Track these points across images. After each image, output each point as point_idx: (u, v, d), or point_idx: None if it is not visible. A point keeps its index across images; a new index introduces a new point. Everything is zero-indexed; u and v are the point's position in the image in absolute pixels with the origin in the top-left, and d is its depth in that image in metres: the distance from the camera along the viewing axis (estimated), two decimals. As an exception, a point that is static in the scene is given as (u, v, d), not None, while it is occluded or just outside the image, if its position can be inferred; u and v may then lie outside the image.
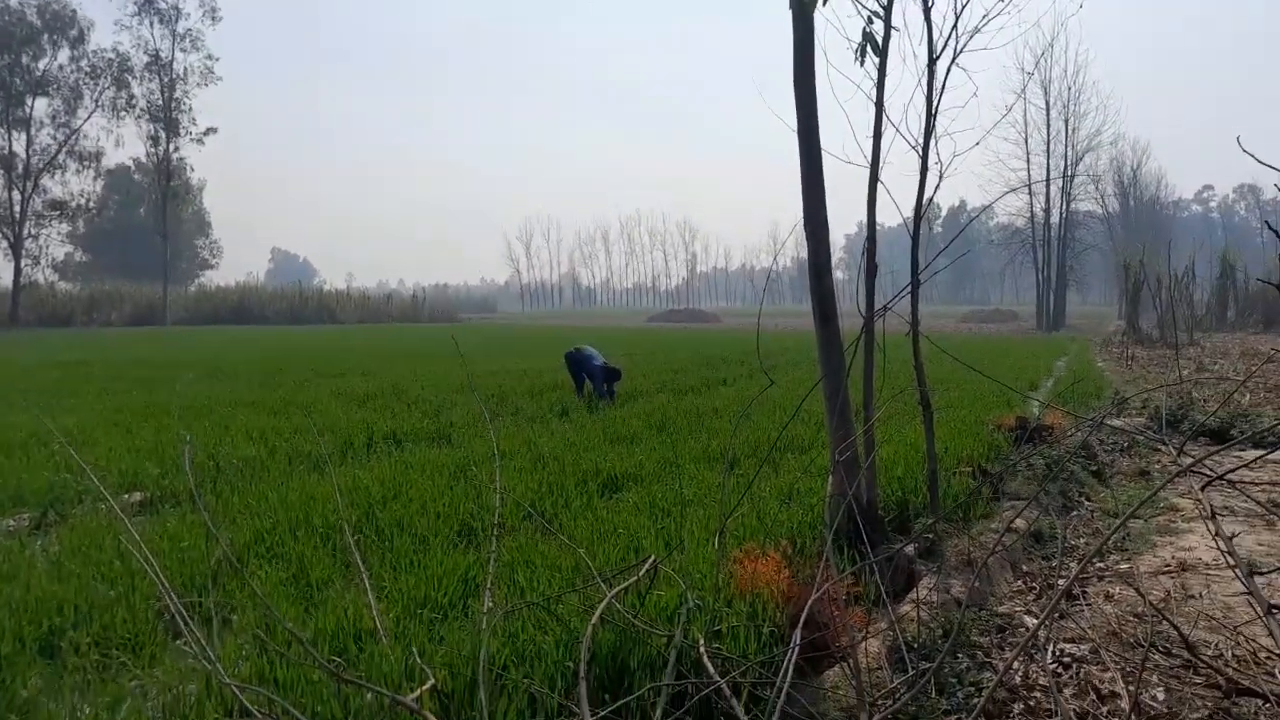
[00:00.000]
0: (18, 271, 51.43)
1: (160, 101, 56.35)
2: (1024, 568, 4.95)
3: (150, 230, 64.75)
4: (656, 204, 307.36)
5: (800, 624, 2.70)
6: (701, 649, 2.88)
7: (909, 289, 5.54)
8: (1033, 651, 3.57)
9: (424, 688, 2.57)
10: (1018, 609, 4.23)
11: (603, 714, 2.28)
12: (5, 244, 51.45)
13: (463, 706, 2.70)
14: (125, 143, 73.37)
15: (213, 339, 34.85)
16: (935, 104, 5.62)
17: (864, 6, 5.41)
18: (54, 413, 10.62)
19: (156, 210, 59.53)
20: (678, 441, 8.29)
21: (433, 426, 9.40)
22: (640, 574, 3.09)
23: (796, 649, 2.53)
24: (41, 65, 52.43)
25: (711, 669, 2.76)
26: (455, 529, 5.35)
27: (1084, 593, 4.41)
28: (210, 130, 58.84)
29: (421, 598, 4.02)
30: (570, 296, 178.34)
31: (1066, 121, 47.19)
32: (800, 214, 5.31)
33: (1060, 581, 4.49)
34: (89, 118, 54.22)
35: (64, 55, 53.28)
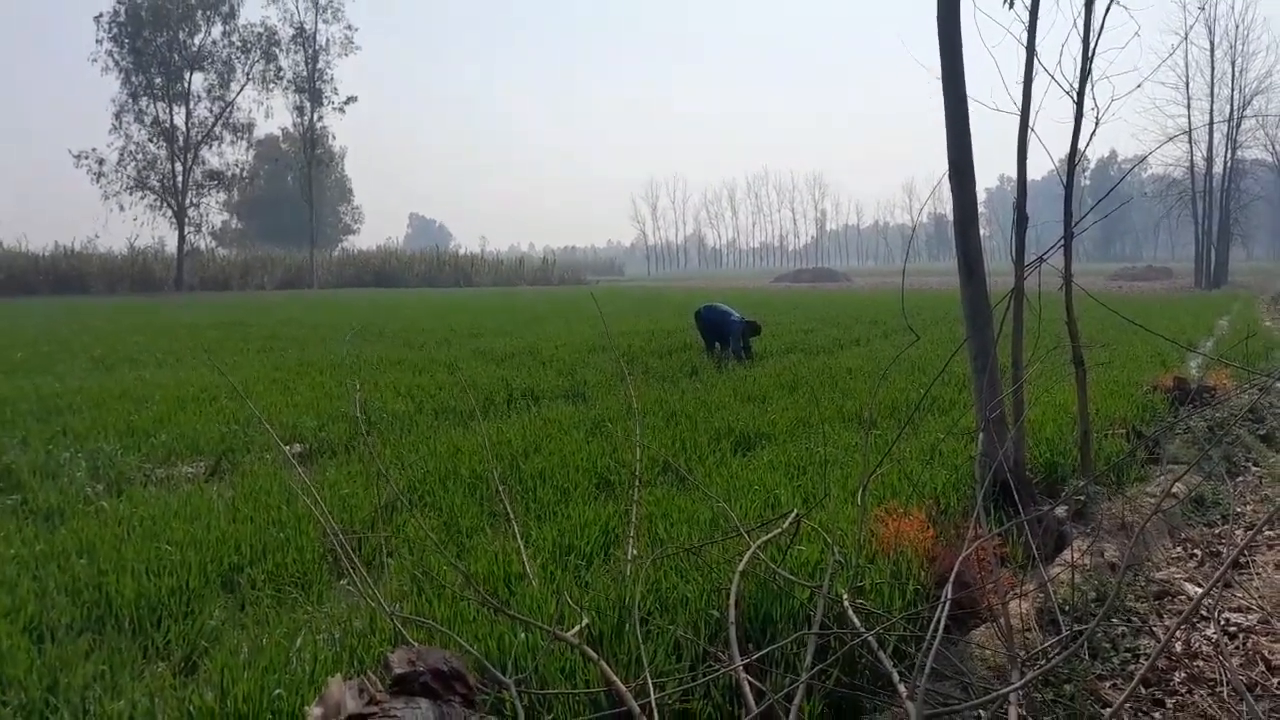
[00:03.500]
0: (181, 239, 55.14)
1: (305, 73, 58.95)
2: (1183, 534, 4.70)
3: (297, 197, 68.16)
4: (785, 161, 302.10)
5: (950, 582, 2.66)
6: (846, 603, 2.88)
7: (1061, 241, 5.29)
8: (1195, 620, 3.40)
9: (579, 627, 2.67)
10: (1177, 575, 4.03)
11: (748, 661, 2.32)
12: (170, 213, 55.16)
13: (612, 647, 2.79)
14: (274, 113, 77.52)
15: (357, 301, 36.56)
16: (1093, 47, 5.30)
17: (1015, -58, 5.13)
18: (218, 369, 11.42)
19: (303, 178, 62.53)
20: (810, 401, 8.20)
21: (567, 384, 9.62)
22: (784, 527, 3.10)
23: (947, 604, 2.50)
24: (197, 41, 55.55)
25: (857, 622, 2.75)
26: (594, 482, 5.49)
27: (1252, 561, 4.16)
28: (351, 99, 61.25)
29: (566, 546, 4.16)
30: (695, 258, 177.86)
31: (1234, 62, 43.42)
32: (943, 166, 5.13)
33: (1226, 548, 4.24)
34: (241, 90, 57.19)
35: (217, 31, 56.26)
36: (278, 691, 2.55)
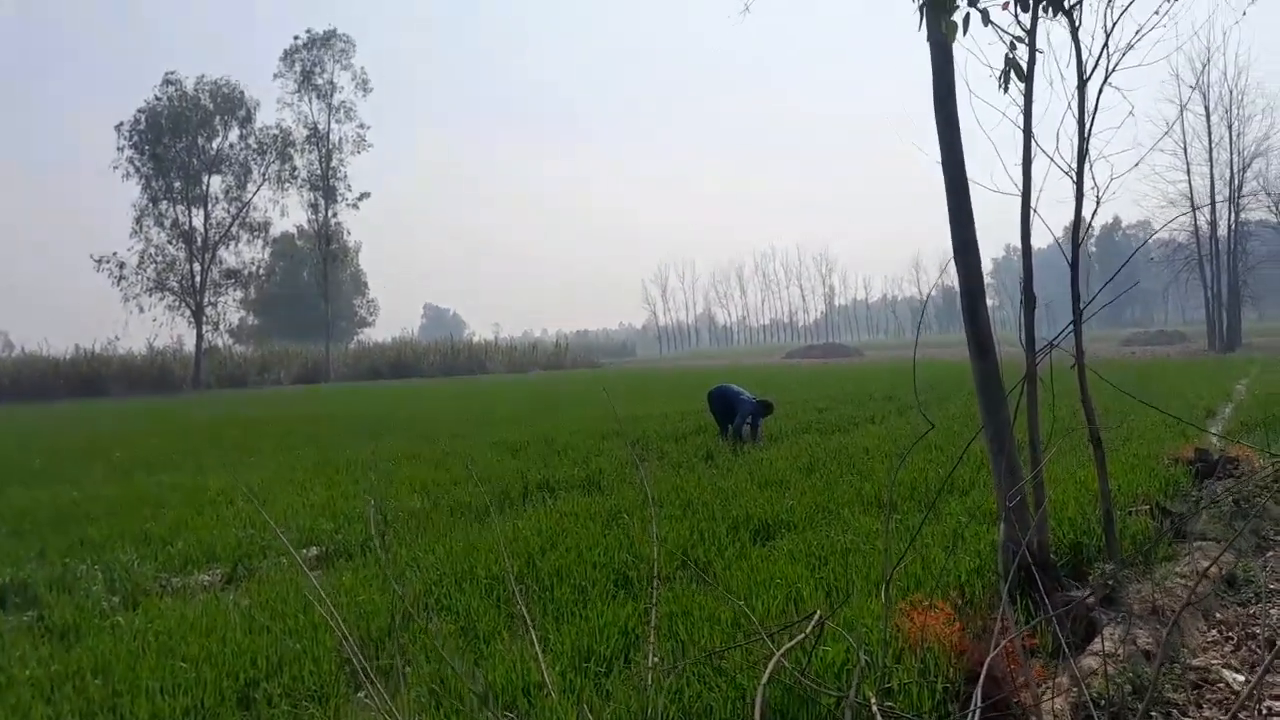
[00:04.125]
0: (199, 337, 55.89)
1: (319, 171, 60.51)
2: (1217, 615, 4.58)
3: (313, 292, 69.26)
4: (791, 239, 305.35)
5: (981, 680, 2.59)
6: (874, 707, 2.81)
7: (1071, 325, 5.30)
8: (1238, 712, 3.29)
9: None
10: (1214, 661, 3.91)
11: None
12: (188, 312, 56.07)
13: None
14: (289, 211, 78.94)
15: (373, 394, 36.75)
16: (1088, 127, 5.40)
17: (1006, 33, 5.28)
18: (236, 470, 11.45)
19: (318, 273, 63.63)
20: (828, 484, 8.13)
21: (583, 474, 9.57)
22: (807, 631, 3.05)
23: (979, 710, 2.43)
24: (214, 145, 57.29)
25: (885, 729, 2.68)
26: (611, 578, 5.42)
27: (1291, 644, 4.04)
28: (364, 195, 62.69)
29: (585, 649, 4.09)
30: (706, 337, 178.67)
31: (1230, 126, 44.07)
32: (949, 240, 5.19)
33: (1263, 630, 4.13)
34: (257, 191, 58.67)
35: (234, 134, 58.05)
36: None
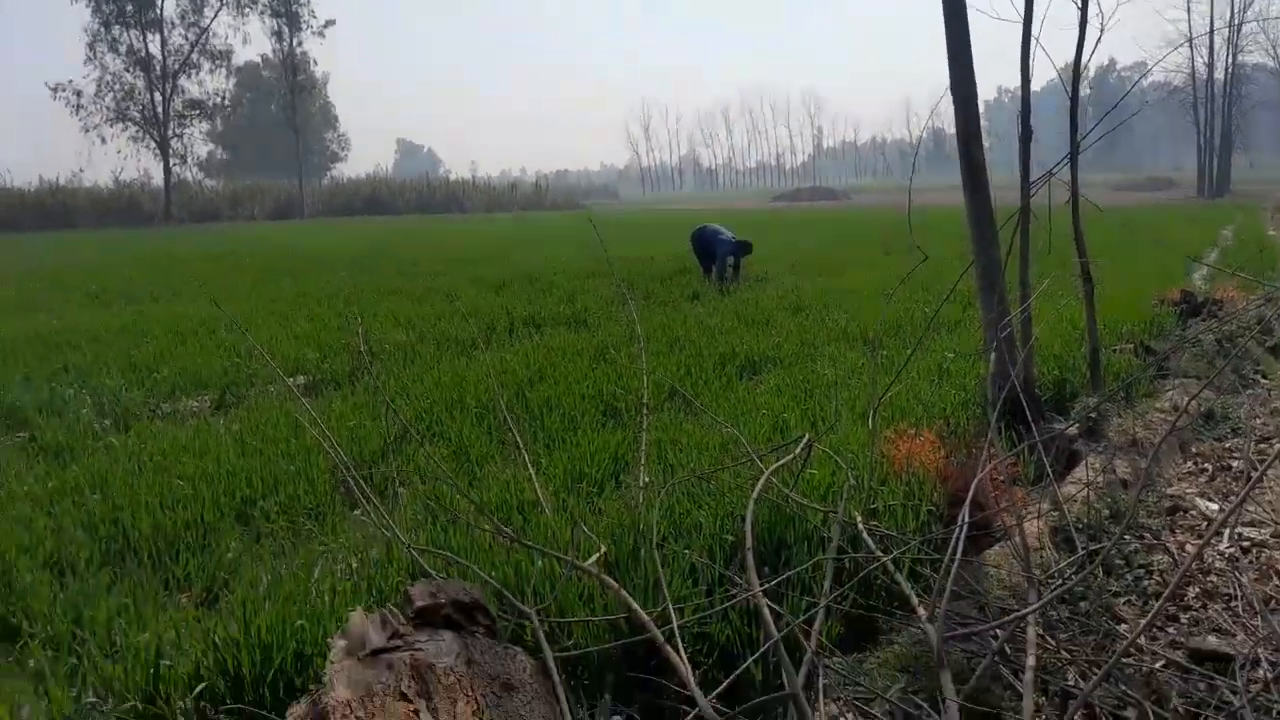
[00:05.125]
0: (167, 170, 54.24)
1: (280, -5, 57.15)
2: (1194, 449, 4.71)
3: (282, 126, 66.77)
4: (779, 77, 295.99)
5: (968, 502, 2.66)
6: (860, 526, 2.89)
7: (1068, 157, 5.18)
8: (1211, 537, 3.42)
9: (597, 555, 2.68)
10: (1189, 491, 4.05)
11: (765, 585, 2.33)
12: (153, 144, 54.19)
13: (628, 573, 2.80)
14: (252, 40, 75.03)
15: (349, 230, 36.17)
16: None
17: None
18: (215, 302, 11.34)
19: (286, 106, 61.25)
20: (815, 323, 8.17)
21: (568, 311, 9.56)
22: (796, 452, 3.09)
23: (966, 526, 2.50)
24: (165, -38, 53.75)
25: (872, 545, 2.76)
26: (600, 409, 5.48)
27: (1265, 475, 4.18)
28: (330, 23, 59.65)
29: (577, 473, 4.17)
30: (691, 179, 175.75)
31: (1233, -37, 42.27)
32: (942, 79, 4.98)
33: (1241, 463, 4.26)
34: (215, 16, 55.56)
35: (186, -50, 54.41)
36: (300, 623, 2.56)
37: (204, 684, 2.43)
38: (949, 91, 4.85)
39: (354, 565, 3.28)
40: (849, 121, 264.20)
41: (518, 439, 3.83)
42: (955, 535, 2.50)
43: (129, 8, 52.67)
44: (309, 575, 3.11)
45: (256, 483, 4.25)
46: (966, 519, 2.59)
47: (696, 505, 3.34)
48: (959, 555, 2.40)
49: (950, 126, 5.14)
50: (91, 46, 52.72)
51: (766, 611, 2.06)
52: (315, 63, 64.48)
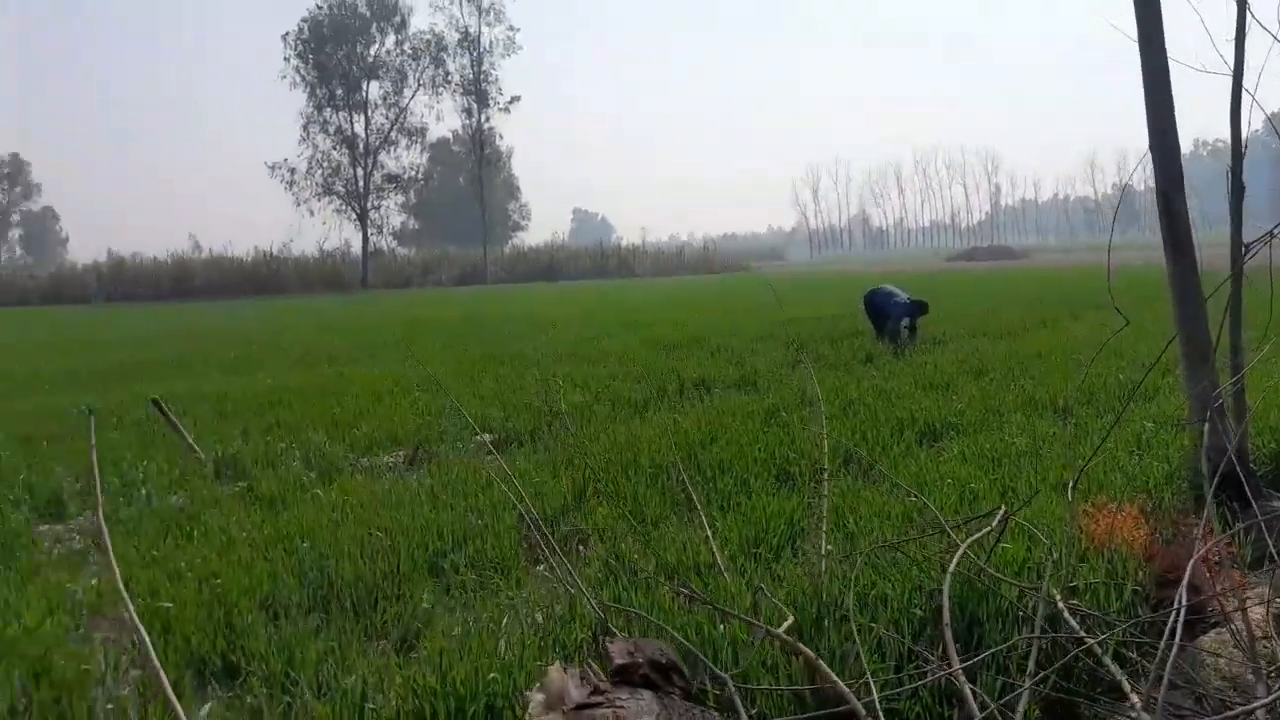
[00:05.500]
0: (365, 239, 58.94)
1: (471, 75, 61.48)
2: None
3: (469, 197, 71.03)
4: (955, 135, 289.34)
5: (1184, 583, 2.47)
6: (1059, 604, 2.73)
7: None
8: None
9: (787, 624, 2.66)
10: None
11: (965, 664, 2.23)
12: (354, 215, 59.05)
13: (811, 643, 2.76)
14: (444, 116, 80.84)
15: (528, 295, 37.81)
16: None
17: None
18: (408, 364, 12.09)
19: (473, 178, 65.26)
20: (998, 388, 7.83)
21: (738, 373, 9.58)
22: (993, 524, 2.97)
23: (1184, 610, 2.32)
24: (372, 52, 59.16)
25: (1074, 624, 2.60)
26: (773, 472, 5.44)
27: None
28: (515, 99, 63.46)
29: (752, 537, 4.15)
30: (860, 239, 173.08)
31: None
32: (1130, 135, 4.77)
33: None
34: (413, 96, 60.45)
35: (390, 41, 59.86)
36: (492, 675, 2.66)
37: (405, 729, 2.57)
38: (1147, 148, 4.62)
39: (539, 619, 3.39)
40: (1029, 178, 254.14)
41: (694, 500, 3.86)
42: (1172, 619, 2.33)
43: (339, 92, 58.17)
44: (498, 629, 3.24)
45: (447, 535, 4.48)
46: (1185, 601, 2.40)
47: (881, 576, 3.26)
48: (1177, 640, 2.23)
49: (1140, 182, 4.89)
50: (305, 128, 58.58)
51: (968, 691, 1.98)
52: (501, 136, 68.55)
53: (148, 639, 2.40)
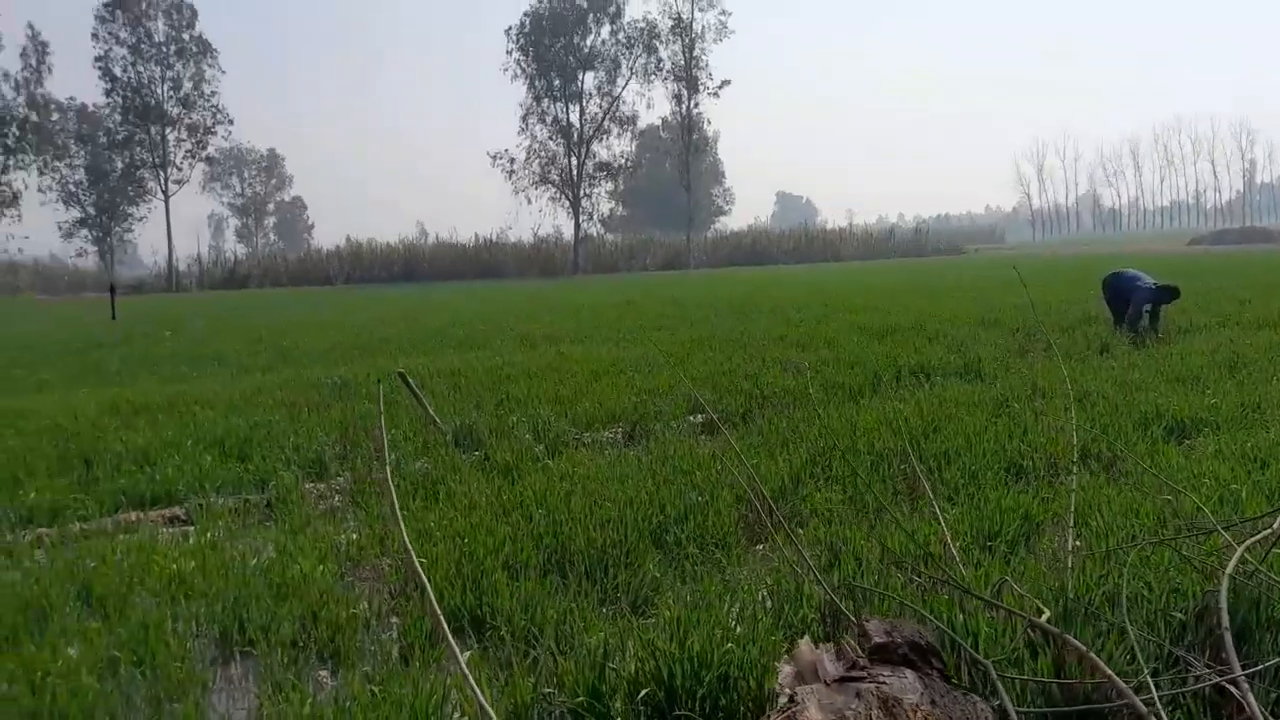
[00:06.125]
0: (577, 226, 61.16)
1: (682, 61, 62.11)
2: None
3: (675, 183, 72.03)
4: (1202, 107, 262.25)
5: None
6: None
7: None
8: None
9: (1046, 615, 2.58)
10: None
11: (1247, 670, 2.08)
12: (567, 203, 61.33)
13: (1069, 637, 2.65)
14: (654, 104, 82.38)
15: (732, 279, 37.92)
16: None
17: None
18: (621, 345, 12.48)
19: (680, 164, 66.04)
20: (1259, 383, 7.11)
21: (960, 361, 9.20)
22: (1274, 526, 2.73)
23: None
24: (589, 43, 60.99)
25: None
26: (1003, 465, 5.22)
27: None
28: (725, 83, 63.55)
29: (985, 530, 4.01)
30: (1090, 220, 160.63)
31: None
32: None
33: None
34: (626, 85, 61.95)
35: (605, 31, 61.44)
36: (729, 645, 2.74)
37: (645, 690, 2.69)
38: None
39: (764, 596, 3.45)
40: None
41: (926, 488, 3.78)
42: None
43: (556, 83, 60.50)
44: (726, 603, 3.32)
45: (669, 510, 4.61)
46: None
47: (1134, 575, 3.07)
48: None
49: None
50: (524, 119, 61.36)
51: (1252, 701, 1.84)
52: (709, 121, 68.89)
53: (430, 587, 2.65)
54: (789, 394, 7.91)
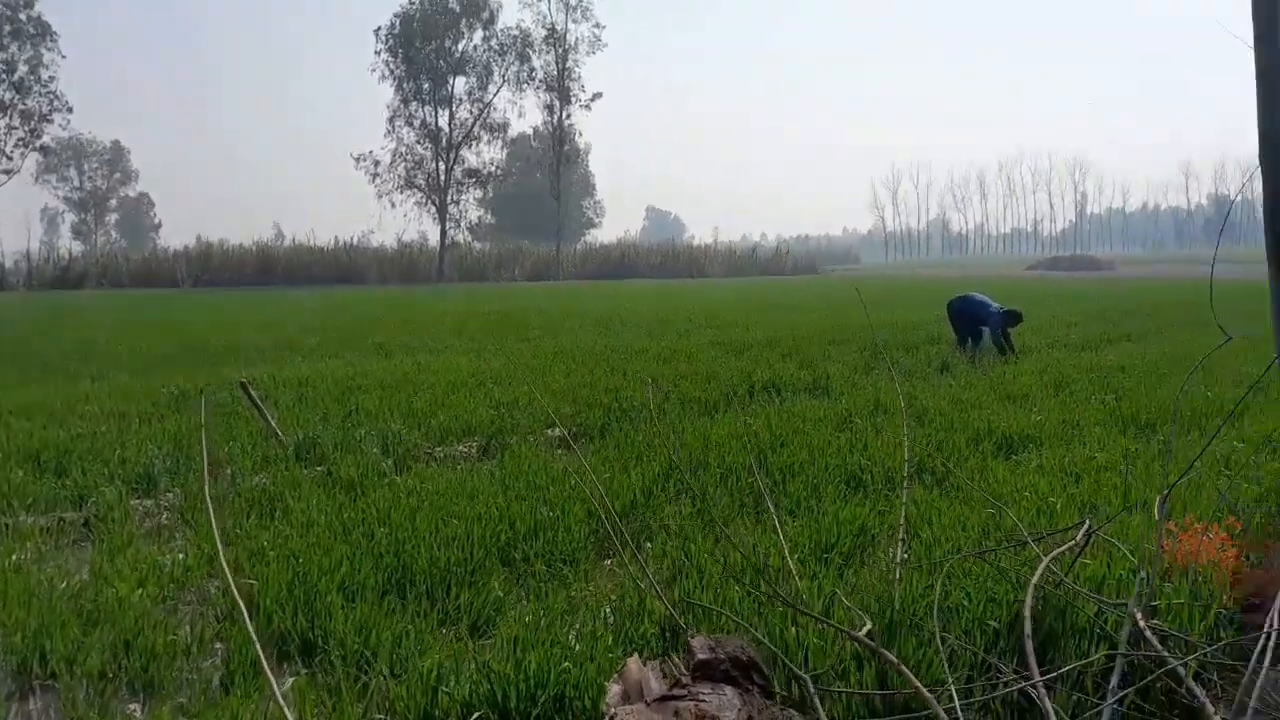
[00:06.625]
0: (443, 233, 59.95)
1: (555, 72, 62.09)
2: None
3: (545, 193, 71.76)
4: (1042, 142, 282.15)
5: (1274, 609, 2.39)
6: (1141, 623, 2.67)
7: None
8: None
9: (866, 628, 2.66)
10: None
11: (1046, 676, 2.20)
12: (433, 209, 60.12)
13: (884, 650, 2.75)
14: (525, 113, 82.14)
15: (600, 292, 38.05)
16: None
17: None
18: (482, 356, 12.30)
19: (551, 174, 65.89)
20: (1079, 402, 7.64)
21: (809, 377, 9.51)
22: (1077, 539, 2.92)
23: (1275, 635, 2.25)
24: (460, 47, 60.08)
25: (1156, 644, 2.54)
26: (844, 479, 5.40)
27: None
28: (597, 95, 63.89)
29: (822, 543, 4.13)
30: (939, 244, 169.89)
31: None
32: (1231, 143, 4.59)
33: None
34: (497, 92, 61.22)
35: (478, 36, 60.60)
36: (565, 665, 2.71)
37: (477, 713, 2.63)
38: (1256, 158, 4.46)
39: (607, 613, 3.43)
40: (1116, 187, 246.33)
41: (769, 504, 3.86)
42: (1261, 643, 2.26)
43: (426, 86, 59.28)
44: (568, 620, 3.29)
45: (519, 526, 4.55)
46: (1274, 625, 2.33)
47: (955, 586, 3.22)
48: (1265, 666, 2.16)
49: (1237, 194, 4.71)
50: (391, 121, 59.77)
51: (1049, 705, 1.95)
52: (580, 134, 69.04)
53: (246, 612, 2.50)
54: (648, 408, 7.98)
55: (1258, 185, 4.58)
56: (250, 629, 2.28)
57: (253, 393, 6.89)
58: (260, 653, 2.27)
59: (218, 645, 3.47)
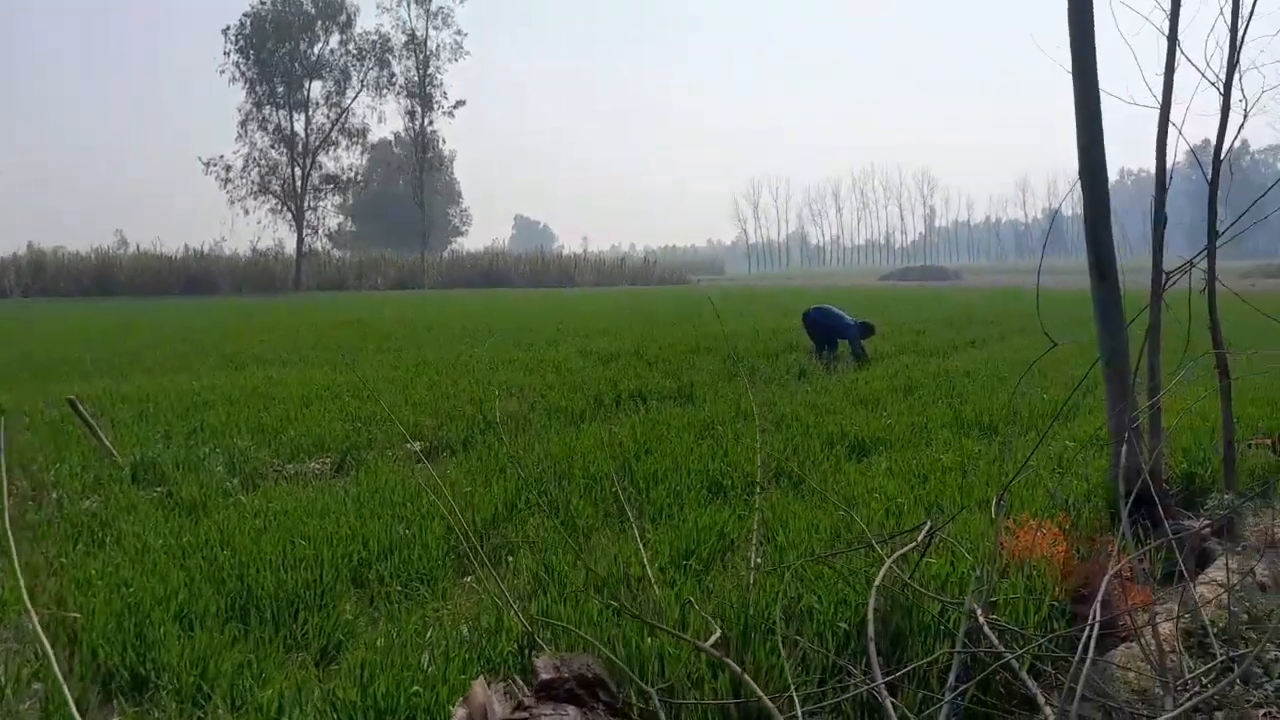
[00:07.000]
0: (300, 241, 57.62)
1: (416, 78, 60.83)
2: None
3: (409, 200, 70.17)
4: (893, 157, 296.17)
5: (1099, 597, 2.55)
6: (981, 619, 2.79)
7: (1206, 249, 5.00)
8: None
9: (715, 637, 2.67)
10: (1339, 599, 3.75)
11: (888, 678, 2.27)
12: (289, 215, 57.75)
13: (738, 656, 2.77)
14: (386, 119, 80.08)
15: (467, 301, 37.45)
16: (1241, 35, 5.00)
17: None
18: (339, 368, 11.86)
19: (414, 181, 64.50)
20: (926, 406, 8.00)
21: (674, 385, 9.61)
22: (919, 539, 3.03)
23: (1097, 626, 2.39)
24: (316, 50, 58.04)
25: (994, 639, 2.67)
26: (706, 485, 5.48)
27: None
28: (460, 103, 63.02)
29: (683, 549, 4.16)
30: (798, 255, 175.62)
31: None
32: (1062, 161, 4.95)
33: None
34: (356, 97, 59.43)
35: (335, 40, 58.69)
36: (415, 689, 2.62)
37: (322, 744, 2.51)
38: (1077, 174, 4.78)
39: (464, 632, 3.35)
40: (963, 201, 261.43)
41: (630, 514, 3.86)
42: (1086, 634, 2.40)
43: (279, 89, 56.90)
44: (422, 641, 3.18)
45: (373, 545, 4.39)
46: (1099, 617, 2.48)
47: (808, 589, 3.29)
48: (1090, 655, 2.30)
49: (1068, 208, 5.07)
50: (243, 124, 57.09)
51: (889, 705, 2.01)
52: (444, 141, 67.78)
53: (50, 650, 2.30)
54: (513, 419, 7.88)
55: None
56: (55, 668, 2.10)
57: (82, 409, 6.43)
58: (68, 693, 2.09)
59: (36, 686, 3.19)
